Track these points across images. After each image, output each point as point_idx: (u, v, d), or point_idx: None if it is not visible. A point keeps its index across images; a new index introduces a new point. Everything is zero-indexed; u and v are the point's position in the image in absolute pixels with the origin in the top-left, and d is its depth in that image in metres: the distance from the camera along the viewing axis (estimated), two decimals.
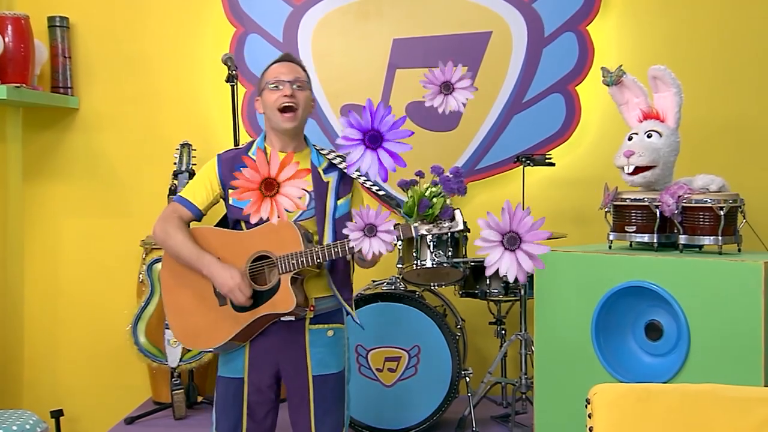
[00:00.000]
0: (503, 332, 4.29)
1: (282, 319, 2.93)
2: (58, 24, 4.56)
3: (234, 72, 3.68)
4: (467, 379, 4.02)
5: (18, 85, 4.11)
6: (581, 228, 4.42)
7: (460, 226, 2.82)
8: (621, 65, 3.39)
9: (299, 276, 2.90)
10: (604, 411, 2.19)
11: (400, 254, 4.13)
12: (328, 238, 2.94)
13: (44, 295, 4.73)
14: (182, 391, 4.18)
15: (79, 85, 4.68)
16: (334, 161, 3.02)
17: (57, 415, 4.24)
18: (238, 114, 3.83)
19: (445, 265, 4.02)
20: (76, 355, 4.74)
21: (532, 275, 3.39)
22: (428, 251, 4.01)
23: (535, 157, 4.08)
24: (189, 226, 3.01)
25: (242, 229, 2.97)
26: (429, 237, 4.01)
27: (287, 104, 2.93)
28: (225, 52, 3.83)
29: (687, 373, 2.93)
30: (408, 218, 2.80)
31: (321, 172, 3.01)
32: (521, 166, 4.08)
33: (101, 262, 4.71)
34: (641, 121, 3.32)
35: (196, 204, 3.01)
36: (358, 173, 3.02)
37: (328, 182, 3.01)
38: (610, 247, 3.29)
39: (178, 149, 4.26)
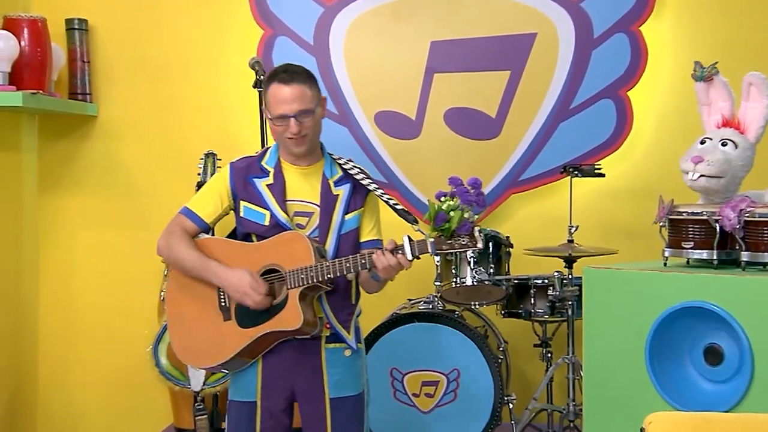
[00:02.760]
0: (549, 355, 4.27)
1: (296, 336, 2.95)
2: (76, 27, 4.61)
3: (262, 77, 3.71)
4: (510, 405, 4.01)
5: (34, 91, 4.14)
6: (633, 243, 4.39)
7: (480, 245, 2.84)
8: (716, 62, 3.34)
9: (309, 292, 2.92)
10: None
11: (438, 271, 4.14)
12: (329, 254, 2.97)
13: (60, 312, 4.78)
14: (206, 416, 4.19)
15: (98, 92, 4.73)
16: (350, 171, 3.05)
17: None
18: (265, 122, 3.83)
19: (486, 282, 4.02)
20: (92, 377, 4.78)
21: (580, 294, 3.38)
22: (468, 268, 4.02)
23: (583, 167, 4.07)
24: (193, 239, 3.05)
25: (252, 242, 3.01)
26: (469, 253, 4.01)
27: (295, 137, 2.96)
28: (252, 55, 3.87)
29: (750, 401, 2.89)
30: (424, 233, 2.83)
31: (331, 185, 3.04)
32: (568, 177, 4.08)
33: (120, 279, 4.75)
34: (719, 127, 3.29)
35: (202, 217, 3.04)
36: (375, 186, 3.04)
37: (338, 195, 3.03)
38: (665, 264, 3.27)
39: (202, 159, 4.29)
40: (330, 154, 3.12)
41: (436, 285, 4.14)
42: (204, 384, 4.16)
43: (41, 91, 4.22)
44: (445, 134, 4.62)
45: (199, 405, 4.19)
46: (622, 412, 3.18)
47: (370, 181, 3.07)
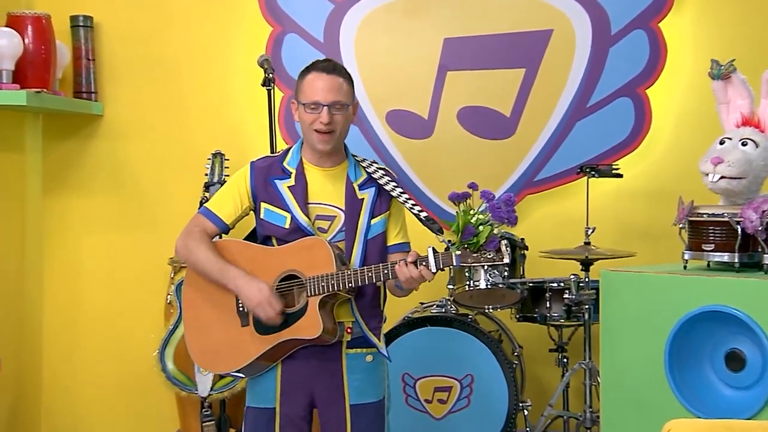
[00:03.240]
0: (565, 360, 4.26)
1: (315, 343, 2.95)
2: (81, 24, 4.62)
3: (271, 75, 3.71)
4: (525, 412, 4.01)
5: (38, 90, 4.16)
6: (652, 246, 4.38)
7: (507, 260, 2.84)
8: (733, 59, 3.32)
9: (329, 300, 2.92)
10: None
11: (451, 274, 4.14)
12: (356, 260, 2.98)
13: (64, 316, 4.80)
14: (213, 422, 4.20)
15: (104, 90, 4.75)
16: (374, 174, 3.05)
17: None
18: (275, 121, 3.83)
19: (500, 286, 4.02)
20: (98, 383, 4.79)
21: (597, 298, 3.37)
22: (482, 271, 4.01)
23: (600, 167, 4.07)
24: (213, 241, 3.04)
25: (273, 246, 3.01)
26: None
27: (324, 130, 2.96)
28: (261, 53, 3.87)
29: None
30: (449, 244, 2.82)
31: (356, 188, 3.03)
32: (585, 178, 4.07)
33: (126, 282, 4.76)
34: (739, 126, 3.27)
35: (222, 217, 3.04)
36: (400, 191, 3.04)
37: (363, 199, 3.03)
38: (685, 267, 3.26)
39: (209, 159, 4.30)
40: (354, 156, 3.12)
41: (449, 288, 4.14)
42: (211, 390, 4.16)
43: (45, 90, 4.23)
44: (458, 134, 4.61)
45: (207, 411, 4.20)
46: (641, 419, 3.17)
47: (395, 185, 3.07)
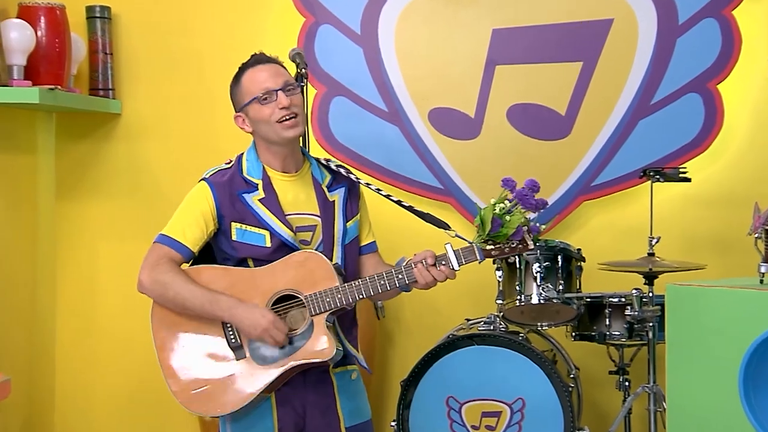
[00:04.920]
0: (627, 384, 4.23)
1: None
2: (98, 15, 4.66)
3: (304, 70, 3.71)
4: None
5: (52, 87, 4.19)
6: (723, 257, 4.36)
7: (531, 246, 2.89)
8: None
9: (332, 316, 2.93)
10: None
11: (500, 287, 4.13)
12: None
13: (78, 329, 4.84)
14: None
15: (122, 87, 4.78)
16: (340, 172, 3.08)
17: None
18: (308, 119, 3.85)
19: (554, 301, 4.01)
20: (113, 400, 4.83)
21: (662, 315, 3.34)
22: (534, 284, 4.01)
23: (665, 170, 4.04)
24: None
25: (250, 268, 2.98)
26: (535, 267, 4.01)
27: (288, 117, 2.94)
28: (293, 46, 3.88)
29: None
30: (468, 240, 2.83)
31: (326, 191, 3.04)
32: (648, 182, 4.04)
33: (146, 295, 4.78)
34: None
35: (187, 245, 2.96)
36: (375, 187, 3.12)
37: (334, 201, 3.05)
38: (761, 281, 3.22)
39: None
40: (311, 155, 3.15)
41: (498, 303, 4.12)
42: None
43: (59, 87, 4.27)
44: (507, 134, 4.61)
45: None
46: None
47: (362, 180, 3.13)
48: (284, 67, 3.07)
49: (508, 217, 2.83)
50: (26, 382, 4.56)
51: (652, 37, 4.50)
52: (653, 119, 4.53)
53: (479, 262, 2.90)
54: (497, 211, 2.84)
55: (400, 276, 2.87)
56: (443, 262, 2.85)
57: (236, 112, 3.06)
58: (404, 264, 2.90)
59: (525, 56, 4.58)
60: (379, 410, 4.60)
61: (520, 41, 4.59)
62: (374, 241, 3.18)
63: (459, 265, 2.87)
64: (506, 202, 2.85)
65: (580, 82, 4.55)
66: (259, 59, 3.04)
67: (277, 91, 2.94)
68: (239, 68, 3.08)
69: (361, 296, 2.86)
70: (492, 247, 2.87)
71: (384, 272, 2.88)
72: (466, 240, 2.88)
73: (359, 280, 2.89)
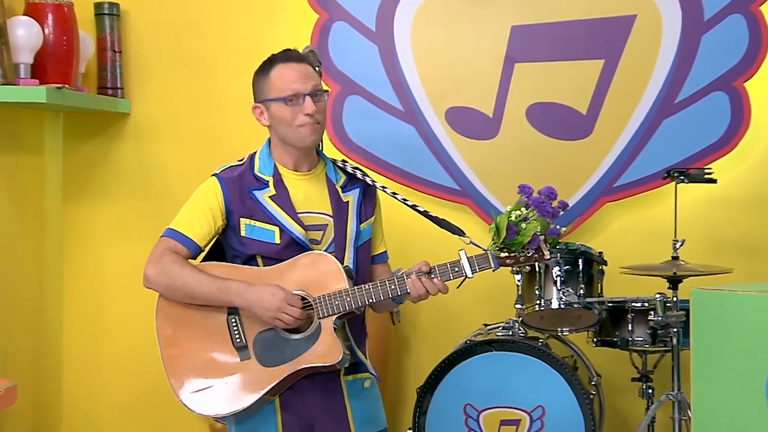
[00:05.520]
0: (650, 391, 4.22)
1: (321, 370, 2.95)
2: (106, 12, 4.67)
3: (317, 68, 3.71)
4: None
5: (59, 85, 4.20)
6: (750, 261, 4.36)
7: (548, 256, 2.90)
8: None
9: (341, 320, 2.93)
10: None
11: (519, 292, 4.12)
12: None
13: (86, 336, 4.85)
14: None
15: (131, 86, 4.80)
16: (356, 174, 3.08)
17: None
18: None
19: (575, 305, 4.00)
20: (122, 409, 4.84)
21: (687, 320, 3.33)
22: (554, 288, 4.01)
23: (690, 171, 4.03)
24: None
25: (258, 266, 2.99)
26: (555, 271, 4.01)
27: (311, 122, 2.95)
28: (306, 44, 3.89)
29: None
30: (483, 248, 2.83)
31: (339, 191, 3.05)
32: (673, 183, 4.04)
33: (154, 299, 4.78)
34: None
35: (194, 239, 2.97)
36: (391, 190, 3.12)
37: (348, 202, 3.05)
38: None
39: None
40: (326, 156, 3.15)
41: (517, 308, 4.12)
42: None
43: (67, 86, 4.28)
44: (527, 133, 4.61)
45: None
46: None
47: (378, 183, 3.12)
48: (316, 70, 3.07)
49: (523, 225, 2.84)
50: (33, 389, 4.57)
51: (677, 33, 4.49)
52: (677, 118, 4.52)
53: (493, 271, 2.90)
54: (513, 218, 2.84)
55: (392, 286, 2.87)
56: (455, 269, 2.87)
57: (256, 102, 3.07)
58: (398, 274, 2.91)
59: (545, 53, 4.58)
60: (395, 418, 4.59)
61: (540, 38, 4.59)
62: (385, 252, 3.19)
63: (472, 273, 2.87)
64: (522, 209, 2.86)
65: (601, 80, 4.54)
66: (292, 56, 3.03)
67: (305, 95, 2.94)
68: (269, 58, 3.06)
69: (370, 300, 2.87)
70: (507, 255, 2.87)
71: (396, 277, 2.89)
72: (480, 247, 2.89)
73: (371, 284, 2.89)
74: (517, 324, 4.11)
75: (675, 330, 3.96)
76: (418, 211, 3.08)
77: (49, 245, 4.76)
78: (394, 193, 3.14)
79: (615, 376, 4.49)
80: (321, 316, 2.87)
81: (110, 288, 4.84)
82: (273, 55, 3.06)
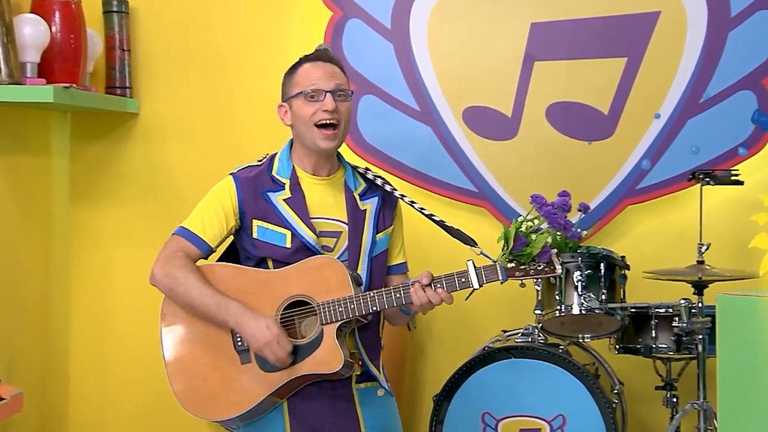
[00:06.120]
0: (675, 400, 4.21)
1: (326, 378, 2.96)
2: (115, 9, 4.67)
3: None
4: None
5: (67, 85, 4.19)
6: None
7: (559, 271, 2.88)
8: None
9: (345, 328, 2.93)
10: None
11: (539, 297, 4.11)
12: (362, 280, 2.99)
13: (93, 340, 4.86)
14: None
15: (140, 85, 4.80)
16: (376, 181, 3.08)
17: None
18: None
19: (597, 311, 3.99)
20: (130, 417, 4.84)
21: (713, 327, 3.32)
22: (575, 293, 4.00)
23: (716, 173, 4.02)
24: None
25: (269, 269, 3.00)
26: (576, 276, 4.00)
27: (328, 121, 2.95)
28: (319, 42, 3.89)
29: None
30: (492, 259, 2.82)
31: (357, 198, 3.05)
32: (698, 185, 4.03)
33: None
34: None
35: (206, 239, 3.01)
36: (410, 199, 3.10)
37: (365, 210, 3.05)
38: None
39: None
40: (348, 162, 3.15)
41: (537, 314, 4.11)
42: None
43: (74, 85, 4.28)
44: (546, 134, 4.60)
45: None
46: None
47: (397, 192, 3.12)
48: (344, 72, 3.08)
49: (534, 236, 2.83)
50: (39, 394, 4.58)
51: (702, 30, 4.48)
52: (703, 118, 4.51)
53: (501, 283, 2.90)
54: (523, 228, 2.83)
55: (398, 295, 2.87)
56: (462, 279, 2.86)
57: (282, 101, 3.09)
58: (403, 284, 2.92)
59: (565, 52, 4.57)
60: (411, 427, 4.59)
61: (560, 36, 4.58)
62: (404, 262, 3.19)
63: (479, 284, 2.87)
64: (535, 220, 2.86)
65: (624, 79, 4.53)
66: (320, 56, 3.06)
67: (327, 92, 2.95)
68: (300, 59, 3.09)
69: (374, 308, 2.86)
70: (515, 266, 2.86)
71: (402, 285, 2.89)
72: (490, 258, 2.88)
73: (375, 291, 2.89)
74: (536, 330, 4.12)
75: (700, 337, 3.95)
76: (434, 221, 3.07)
77: (56, 248, 4.77)
78: (413, 202, 3.12)
79: (638, 385, 4.48)
80: (324, 322, 2.88)
81: (118, 291, 4.85)
82: (304, 55, 3.09)
